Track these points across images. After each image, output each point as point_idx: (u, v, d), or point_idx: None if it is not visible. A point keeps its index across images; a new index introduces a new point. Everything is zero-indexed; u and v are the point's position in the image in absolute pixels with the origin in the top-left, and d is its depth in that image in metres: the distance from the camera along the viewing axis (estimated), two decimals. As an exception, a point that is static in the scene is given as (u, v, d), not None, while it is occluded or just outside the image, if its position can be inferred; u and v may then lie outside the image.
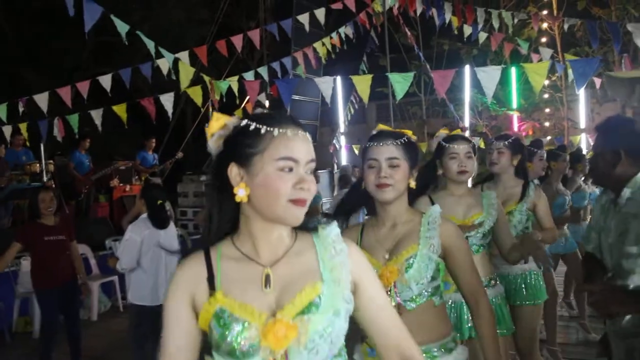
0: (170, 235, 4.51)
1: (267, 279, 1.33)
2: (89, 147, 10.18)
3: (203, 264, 1.35)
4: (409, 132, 2.09)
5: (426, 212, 2.06)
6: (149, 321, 4.27)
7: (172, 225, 4.62)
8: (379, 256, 2.00)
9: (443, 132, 2.90)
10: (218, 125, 1.35)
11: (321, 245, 1.39)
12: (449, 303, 2.71)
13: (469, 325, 2.67)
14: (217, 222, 1.38)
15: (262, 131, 1.29)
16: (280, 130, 1.29)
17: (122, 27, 6.69)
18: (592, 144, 10.11)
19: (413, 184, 2.05)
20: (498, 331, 2.66)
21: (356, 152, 13.05)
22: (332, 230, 1.40)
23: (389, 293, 1.92)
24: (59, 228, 4.85)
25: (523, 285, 3.39)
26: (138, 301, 4.35)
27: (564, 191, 5.15)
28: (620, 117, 1.98)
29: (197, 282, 1.34)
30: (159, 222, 4.37)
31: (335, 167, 13.33)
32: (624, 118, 2.18)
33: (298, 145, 1.30)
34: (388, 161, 1.99)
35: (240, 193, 1.30)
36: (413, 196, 2.20)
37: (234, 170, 1.32)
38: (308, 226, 1.40)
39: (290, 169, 1.28)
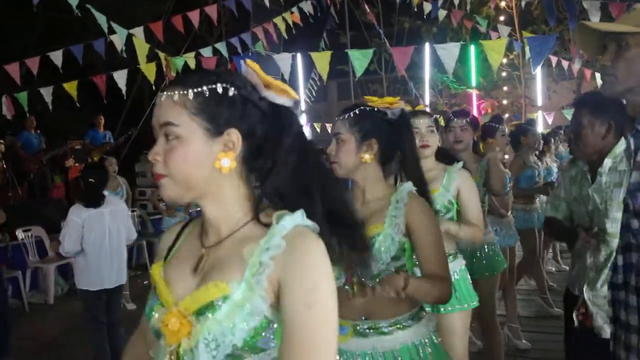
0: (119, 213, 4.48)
1: (199, 262, 1.17)
2: (40, 126, 9.83)
3: (175, 233, 1.28)
4: (371, 99, 2.00)
5: (397, 189, 1.97)
6: (97, 305, 4.25)
7: (118, 202, 4.66)
8: None
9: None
10: None
11: (269, 238, 1.09)
12: None
13: None
14: None
15: None
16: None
17: (73, 0, 6.47)
18: (549, 121, 10.33)
19: (367, 158, 1.95)
20: (458, 306, 2.68)
21: (318, 130, 13.01)
22: (287, 221, 1.08)
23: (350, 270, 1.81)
24: None
25: (482, 258, 3.43)
26: (84, 286, 4.29)
27: (532, 163, 5.18)
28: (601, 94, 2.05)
29: (163, 249, 1.27)
30: (91, 202, 4.30)
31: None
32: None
33: (156, 110, 1.13)
34: (335, 137, 1.97)
35: None
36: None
37: None
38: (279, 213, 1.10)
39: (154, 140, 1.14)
